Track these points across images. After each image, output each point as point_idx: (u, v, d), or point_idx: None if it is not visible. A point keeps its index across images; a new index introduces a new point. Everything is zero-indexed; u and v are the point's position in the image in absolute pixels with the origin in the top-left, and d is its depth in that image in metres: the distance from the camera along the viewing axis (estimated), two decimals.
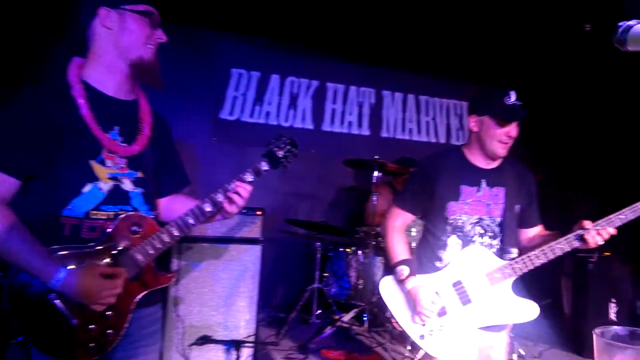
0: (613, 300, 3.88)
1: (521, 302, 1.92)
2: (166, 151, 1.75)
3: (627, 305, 3.92)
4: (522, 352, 3.80)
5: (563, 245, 1.86)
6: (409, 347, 2.28)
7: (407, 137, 5.35)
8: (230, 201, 1.63)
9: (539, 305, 1.92)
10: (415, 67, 5.24)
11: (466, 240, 1.96)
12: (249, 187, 1.64)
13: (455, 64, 5.22)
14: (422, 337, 1.89)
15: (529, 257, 1.88)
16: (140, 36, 1.54)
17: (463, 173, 2.02)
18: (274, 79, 4.90)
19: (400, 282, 1.95)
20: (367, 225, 4.11)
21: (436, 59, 5.11)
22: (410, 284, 1.91)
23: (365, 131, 5.19)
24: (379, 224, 4.04)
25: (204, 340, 2.82)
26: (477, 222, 1.97)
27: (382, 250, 4.09)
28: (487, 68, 5.23)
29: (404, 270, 1.94)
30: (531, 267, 1.89)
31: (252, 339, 2.97)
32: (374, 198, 3.93)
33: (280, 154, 1.71)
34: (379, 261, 4.11)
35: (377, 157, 3.92)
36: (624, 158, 5.03)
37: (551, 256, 1.87)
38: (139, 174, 1.59)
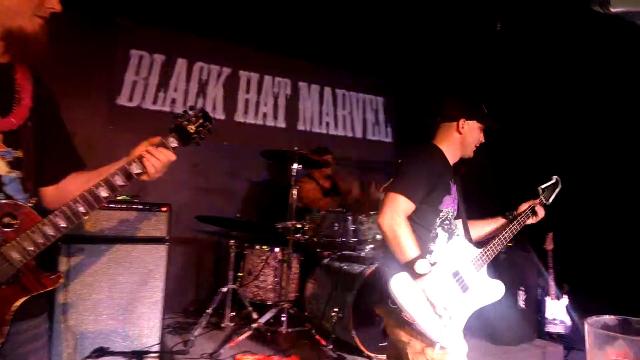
0: (522, 288, 4.02)
1: (494, 282, 2.10)
2: (53, 127, 1.43)
3: (533, 293, 4.10)
4: None
5: (516, 227, 2.19)
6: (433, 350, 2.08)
7: (324, 131, 5.22)
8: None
9: None
10: (332, 61, 5.13)
11: (450, 232, 2.04)
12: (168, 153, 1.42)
13: (372, 60, 5.19)
14: (440, 331, 1.87)
15: (494, 244, 2.11)
16: (22, 2, 1.25)
17: (448, 169, 2.13)
18: (181, 63, 4.50)
19: (419, 276, 1.84)
20: (286, 220, 3.87)
21: (353, 53, 5.05)
22: (430, 278, 1.85)
23: (281, 123, 4.97)
24: (298, 218, 3.84)
25: (100, 352, 2.44)
26: (454, 216, 2.10)
27: (301, 247, 3.89)
28: (403, 66, 5.27)
29: (424, 265, 1.83)
30: (496, 252, 2.12)
31: (156, 348, 2.69)
32: (294, 192, 3.71)
33: (192, 128, 1.47)
34: (298, 258, 3.91)
35: (296, 148, 3.71)
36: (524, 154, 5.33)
37: (507, 240, 2.15)
38: (18, 154, 1.27)
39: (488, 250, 2.09)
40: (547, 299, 5.07)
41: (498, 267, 3.93)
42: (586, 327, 0.97)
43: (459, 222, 2.18)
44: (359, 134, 5.44)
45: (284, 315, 3.51)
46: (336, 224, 3.69)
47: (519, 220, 2.21)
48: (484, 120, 2.17)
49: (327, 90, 5.27)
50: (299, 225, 3.68)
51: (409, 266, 1.83)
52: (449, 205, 2.06)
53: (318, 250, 3.94)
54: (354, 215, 3.90)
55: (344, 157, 5.12)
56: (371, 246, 4.00)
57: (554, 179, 2.41)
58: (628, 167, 4.29)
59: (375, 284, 2.31)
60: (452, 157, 2.17)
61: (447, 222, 2.04)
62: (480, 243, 2.16)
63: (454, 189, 2.11)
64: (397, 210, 1.90)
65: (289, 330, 3.48)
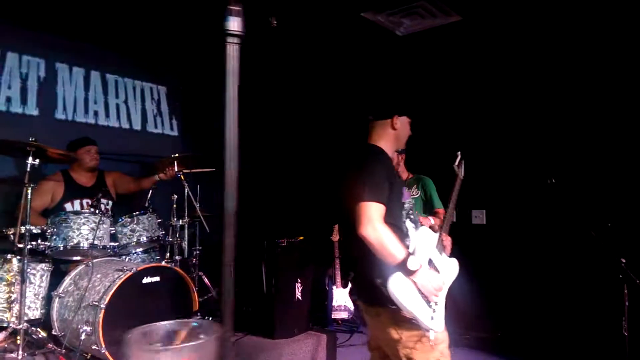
0: (298, 280, 4.05)
1: (452, 261, 2.21)
2: None
3: (308, 285, 4.17)
4: None
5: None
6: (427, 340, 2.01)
7: (91, 121, 4.56)
8: None
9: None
10: (100, 41, 4.51)
11: (415, 222, 2.14)
12: None
13: (152, 43, 4.73)
14: (432, 318, 1.98)
15: (442, 228, 2.23)
16: None
17: (391, 164, 2.25)
18: None
19: (412, 273, 1.92)
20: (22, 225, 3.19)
21: (128, 33, 4.51)
22: (422, 271, 1.94)
23: (32, 110, 4.18)
24: (35, 223, 3.22)
25: None
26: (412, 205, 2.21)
27: (42, 255, 3.26)
28: (189, 52, 4.93)
29: (415, 261, 1.92)
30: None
31: None
32: (29, 191, 3.07)
33: None
34: (41, 268, 3.27)
35: (32, 139, 3.08)
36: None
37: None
38: None
39: (441, 234, 2.21)
40: (334, 288, 5.31)
41: (277, 260, 3.97)
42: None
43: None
44: (137, 126, 4.92)
45: (19, 338, 2.91)
46: (86, 226, 3.18)
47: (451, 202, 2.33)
48: (411, 113, 2.28)
49: (95, 75, 4.62)
50: (36, 231, 3.08)
51: (401, 266, 1.90)
52: (408, 196, 2.20)
53: (69, 258, 3.37)
54: (113, 217, 3.45)
55: (119, 152, 4.57)
56: (140, 249, 3.61)
57: (459, 154, 2.47)
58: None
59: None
60: (390, 152, 2.25)
61: (410, 212, 2.15)
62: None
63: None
64: (375, 218, 1.91)
65: (27, 355, 2.90)
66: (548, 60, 4.24)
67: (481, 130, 4.49)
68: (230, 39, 0.81)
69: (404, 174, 3.68)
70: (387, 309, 1.97)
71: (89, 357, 2.99)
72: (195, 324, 0.80)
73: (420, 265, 1.93)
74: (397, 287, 1.91)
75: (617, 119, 3.79)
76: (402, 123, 2.26)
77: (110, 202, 3.84)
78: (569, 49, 4.09)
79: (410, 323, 1.97)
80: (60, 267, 3.41)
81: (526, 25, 4.19)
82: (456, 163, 2.44)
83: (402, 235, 2.05)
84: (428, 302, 1.97)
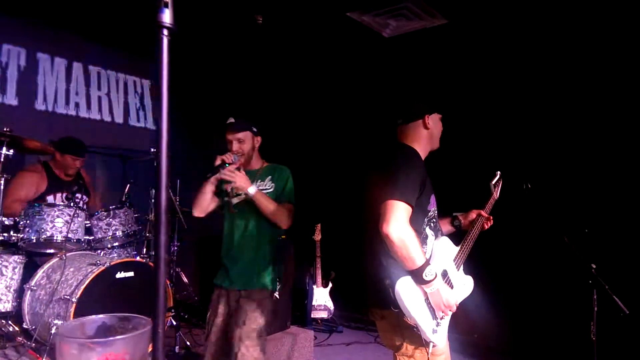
0: (277, 279, 4.03)
1: (468, 278, 2.15)
2: None
3: (289, 284, 4.18)
4: (188, 343, 3.60)
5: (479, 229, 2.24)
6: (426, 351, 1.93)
7: (72, 113, 4.50)
8: None
9: None
10: (83, 32, 4.46)
11: (436, 231, 2.08)
12: None
13: (136, 36, 4.67)
14: (434, 331, 1.92)
15: (467, 242, 2.14)
16: None
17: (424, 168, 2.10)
18: None
19: (426, 282, 1.85)
20: None
21: (112, 25, 4.46)
22: (437, 283, 1.87)
23: (12, 100, 4.12)
24: (12, 212, 3.19)
25: None
26: (436, 214, 2.13)
27: (15, 247, 3.22)
28: (173, 47, 4.88)
29: (432, 271, 1.85)
30: (469, 251, 2.15)
31: None
32: (1, 182, 3.03)
33: None
34: (14, 260, 3.23)
35: (7, 129, 3.04)
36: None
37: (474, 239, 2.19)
38: None
39: (465, 247, 2.13)
40: (314, 287, 5.31)
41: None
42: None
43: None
44: (119, 119, 4.87)
45: None
46: (60, 219, 3.15)
47: (477, 226, 2.24)
48: (442, 109, 2.21)
49: (77, 66, 4.57)
50: (8, 222, 3.04)
51: (417, 273, 1.84)
52: (435, 203, 2.11)
53: (42, 251, 3.33)
54: (94, 208, 3.43)
55: (100, 145, 4.52)
56: (116, 244, 3.57)
57: (498, 174, 2.44)
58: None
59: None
60: (424, 154, 2.18)
61: (433, 220, 2.08)
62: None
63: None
64: (402, 218, 1.85)
65: None
66: (525, 68, 4.28)
67: (457, 135, 4.50)
68: (162, 31, 0.80)
69: (257, 163, 2.78)
70: (391, 313, 1.91)
71: None
72: (130, 318, 0.80)
73: (436, 275, 1.86)
74: (405, 290, 1.86)
75: (590, 126, 3.84)
76: (434, 121, 2.19)
77: (86, 197, 3.80)
78: (546, 54, 4.13)
79: (411, 330, 1.91)
80: (33, 259, 3.37)
81: (501, 31, 4.22)
82: (493, 181, 2.41)
83: (420, 241, 1.98)
84: (434, 314, 1.91)
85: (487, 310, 3.90)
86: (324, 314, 5.19)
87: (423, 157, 2.16)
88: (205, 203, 2.62)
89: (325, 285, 5.29)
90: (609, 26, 3.72)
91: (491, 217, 2.30)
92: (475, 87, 4.57)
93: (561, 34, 3.98)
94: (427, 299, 1.89)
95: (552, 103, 4.11)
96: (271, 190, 2.60)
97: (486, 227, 2.31)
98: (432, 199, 2.08)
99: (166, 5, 0.79)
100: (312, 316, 5.18)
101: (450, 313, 1.93)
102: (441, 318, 1.92)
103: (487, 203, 2.34)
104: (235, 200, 2.60)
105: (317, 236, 5.44)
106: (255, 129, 2.63)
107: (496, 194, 2.40)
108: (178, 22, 0.85)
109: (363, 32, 4.65)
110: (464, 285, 2.12)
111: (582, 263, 2.67)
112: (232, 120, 2.56)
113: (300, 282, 5.28)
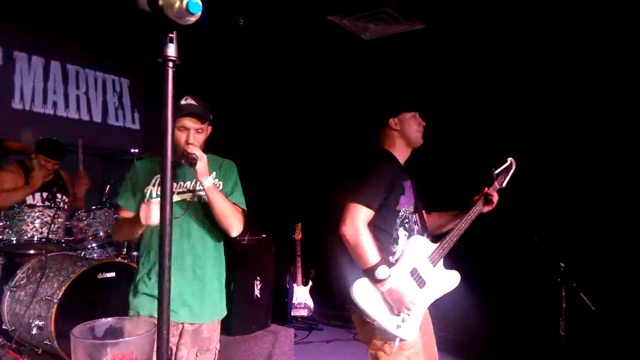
0: (257, 278, 4.09)
1: (449, 273, 2.19)
2: None
3: (269, 283, 4.22)
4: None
5: (471, 216, 2.18)
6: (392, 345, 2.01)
7: (50, 111, 4.46)
8: None
9: None
10: (61, 31, 4.41)
11: (409, 230, 2.13)
12: None
13: (115, 35, 4.65)
14: (398, 327, 1.99)
15: (450, 237, 2.15)
16: None
17: (400, 170, 2.18)
18: None
19: (379, 281, 1.95)
20: None
21: (90, 24, 4.42)
22: (390, 282, 1.95)
23: None
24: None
25: None
26: (411, 212, 2.16)
27: None
28: (153, 45, 4.86)
29: (384, 270, 1.94)
30: (452, 244, 2.15)
31: None
32: None
33: None
34: None
35: None
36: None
37: (463, 231, 2.17)
38: None
39: (444, 244, 2.15)
40: (295, 285, 5.37)
41: (235, 258, 3.99)
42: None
43: (416, 217, 2.21)
44: (97, 118, 4.84)
45: None
46: (40, 220, 3.14)
47: (474, 210, 2.21)
48: (410, 108, 2.22)
49: (55, 65, 4.52)
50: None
51: (369, 272, 1.93)
52: (406, 203, 2.14)
53: (22, 252, 3.31)
54: (68, 211, 3.41)
55: (77, 144, 4.48)
56: (94, 244, 3.57)
57: (508, 161, 2.34)
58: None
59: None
60: (402, 155, 2.23)
61: (406, 220, 2.14)
62: (437, 236, 2.23)
63: (407, 185, 2.16)
64: (358, 220, 1.96)
65: None
66: (501, 69, 4.41)
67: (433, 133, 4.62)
68: (168, 64, 0.87)
69: None
70: (356, 308, 1.98)
71: (39, 352, 2.95)
72: (135, 320, 0.85)
73: (389, 275, 1.93)
74: (361, 291, 1.96)
75: (562, 126, 4.00)
76: (403, 120, 2.20)
77: (66, 197, 3.77)
78: (521, 55, 4.28)
79: (372, 326, 2.00)
80: (13, 260, 3.34)
81: (480, 33, 4.35)
82: (498, 170, 2.31)
83: (390, 241, 2.08)
84: (394, 311, 1.97)
85: (462, 307, 4.03)
86: (304, 312, 5.26)
87: (403, 158, 2.23)
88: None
89: (305, 284, 5.36)
90: (600, 26, 3.85)
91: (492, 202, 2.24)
92: (453, 87, 4.69)
93: (540, 33, 4.11)
94: (384, 297, 1.97)
95: (526, 102, 4.24)
96: (220, 189, 2.03)
97: (487, 208, 2.26)
98: (402, 199, 2.12)
99: (171, 41, 0.86)
100: (293, 314, 5.24)
101: (408, 311, 1.97)
102: (399, 314, 1.98)
103: (482, 194, 2.26)
104: (176, 198, 1.99)
105: (298, 235, 5.50)
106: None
107: (500, 183, 2.30)
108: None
109: (343, 35, 4.72)
110: (443, 281, 2.16)
111: (551, 261, 2.79)
112: (192, 101, 1.94)
113: (281, 281, 5.34)
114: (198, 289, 2.00)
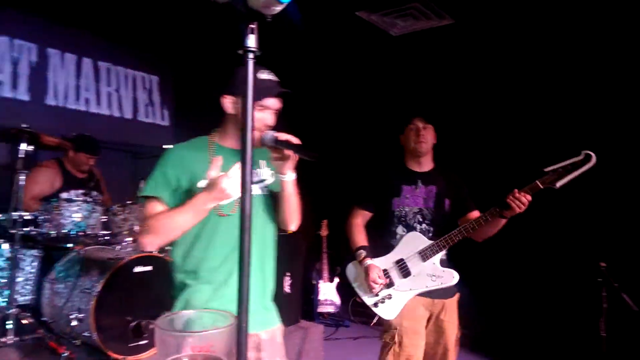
0: (287, 274, 4.10)
1: (444, 270, 2.37)
2: None
3: (299, 278, 4.24)
4: None
5: (480, 221, 2.23)
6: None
7: (82, 108, 4.52)
8: None
9: None
10: (93, 28, 4.47)
11: (409, 227, 2.45)
12: None
13: (144, 32, 4.69)
14: (375, 304, 2.40)
15: (449, 236, 2.30)
16: None
17: (396, 176, 2.52)
18: None
19: (360, 262, 2.45)
20: (16, 210, 3.17)
21: (120, 22, 4.47)
22: (365, 263, 2.42)
23: (23, 95, 4.13)
24: (27, 209, 3.21)
25: None
26: (417, 212, 2.45)
27: (34, 241, 3.25)
28: (181, 42, 4.90)
29: (362, 253, 2.45)
30: (451, 244, 2.30)
31: None
32: (21, 177, 3.06)
33: None
34: (32, 254, 3.27)
35: (25, 125, 3.07)
36: None
37: (467, 233, 2.27)
38: None
39: (440, 242, 2.32)
40: (321, 282, 5.38)
41: None
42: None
43: (430, 217, 2.44)
44: (128, 115, 4.89)
45: (10, 322, 2.92)
46: (78, 214, 3.18)
47: (485, 217, 2.24)
48: (408, 121, 2.53)
49: (87, 62, 4.58)
50: (28, 217, 3.07)
51: (354, 254, 2.49)
52: (402, 204, 2.46)
53: (60, 245, 3.36)
54: (106, 205, 3.46)
55: (109, 140, 4.54)
56: (129, 239, 3.60)
57: (583, 154, 2.03)
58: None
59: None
60: (412, 163, 2.53)
61: (403, 218, 2.46)
62: (440, 234, 2.38)
63: (407, 189, 2.46)
64: (351, 216, 2.58)
65: (17, 339, 2.92)
66: (529, 69, 4.33)
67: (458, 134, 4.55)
68: (249, 55, 0.88)
69: None
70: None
71: (78, 343, 3.00)
72: (214, 314, 0.86)
73: (363, 257, 2.42)
74: (350, 271, 2.55)
75: (599, 124, 3.91)
76: (405, 135, 2.54)
77: (100, 195, 3.82)
78: (551, 54, 4.20)
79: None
80: (50, 253, 3.40)
81: (509, 30, 4.28)
82: (555, 166, 2.03)
83: (388, 237, 2.48)
84: (371, 289, 2.38)
85: (497, 308, 3.99)
86: (330, 309, 5.27)
87: (415, 165, 2.52)
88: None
89: (331, 280, 5.37)
90: (615, 27, 3.78)
91: (523, 202, 2.07)
92: (479, 86, 4.63)
93: (569, 32, 4.03)
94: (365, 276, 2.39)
95: (561, 98, 4.16)
96: (273, 180, 1.79)
97: (509, 213, 2.13)
98: (395, 201, 2.46)
99: (252, 32, 0.87)
100: (319, 310, 5.26)
101: (378, 287, 2.35)
102: (376, 293, 2.37)
103: (528, 187, 2.08)
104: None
105: (324, 232, 5.51)
106: None
107: (546, 181, 2.06)
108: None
109: (371, 31, 4.69)
110: (433, 276, 2.37)
111: (592, 262, 2.75)
112: (274, 77, 1.73)
113: (307, 277, 5.35)
114: (262, 291, 1.77)
